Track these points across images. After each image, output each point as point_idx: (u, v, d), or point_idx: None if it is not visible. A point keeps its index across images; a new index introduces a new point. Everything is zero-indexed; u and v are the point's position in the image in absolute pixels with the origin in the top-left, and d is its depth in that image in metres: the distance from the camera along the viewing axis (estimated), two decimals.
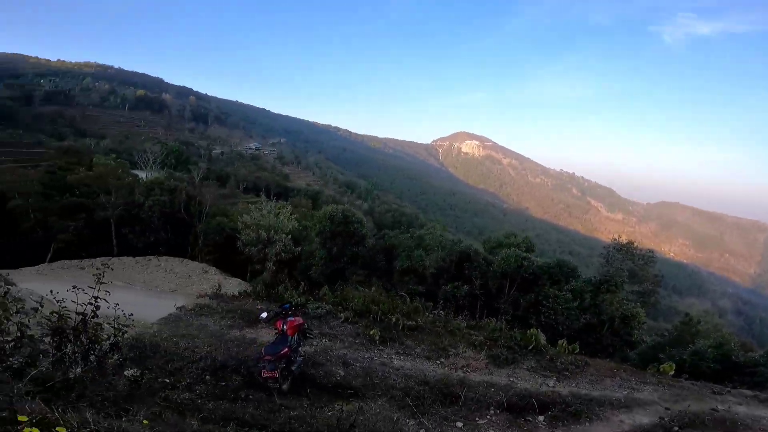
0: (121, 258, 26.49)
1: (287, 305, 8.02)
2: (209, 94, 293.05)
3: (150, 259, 26.69)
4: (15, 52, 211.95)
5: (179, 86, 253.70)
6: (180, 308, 11.40)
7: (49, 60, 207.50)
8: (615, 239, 32.70)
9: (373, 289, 14.95)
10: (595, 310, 24.14)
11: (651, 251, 34.64)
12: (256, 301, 11.58)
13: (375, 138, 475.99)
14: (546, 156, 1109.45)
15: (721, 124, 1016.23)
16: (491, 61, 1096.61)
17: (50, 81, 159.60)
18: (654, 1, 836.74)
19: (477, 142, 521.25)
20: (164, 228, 29.75)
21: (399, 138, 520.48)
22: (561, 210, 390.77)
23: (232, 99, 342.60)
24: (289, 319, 7.52)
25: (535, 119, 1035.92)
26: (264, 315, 8.03)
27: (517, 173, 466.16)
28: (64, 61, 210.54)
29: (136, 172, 43.16)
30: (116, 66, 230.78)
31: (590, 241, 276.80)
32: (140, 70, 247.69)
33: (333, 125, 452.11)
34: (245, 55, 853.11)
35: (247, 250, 23.58)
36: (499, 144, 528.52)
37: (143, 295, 20.31)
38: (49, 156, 56.83)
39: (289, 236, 23.93)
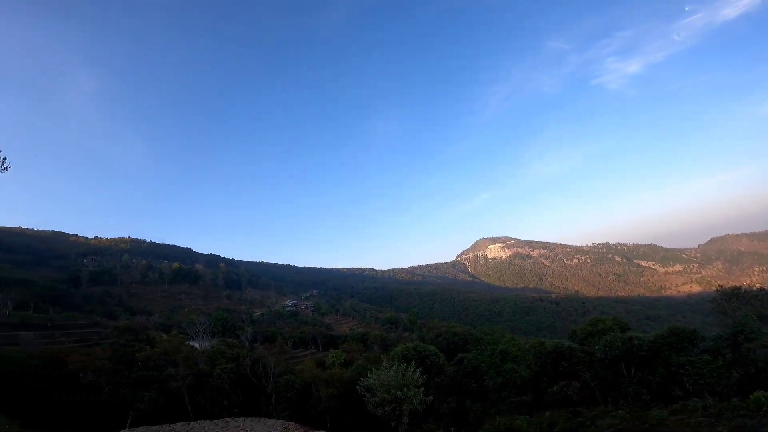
0: (199, 422, 25.93)
1: None
2: (236, 258, 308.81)
3: (228, 421, 25.99)
4: (55, 230, 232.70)
5: (208, 254, 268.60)
6: None
7: (87, 237, 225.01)
8: (719, 289, 29.59)
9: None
10: (744, 361, 20.92)
11: (763, 289, 30.99)
12: None
13: (401, 270, 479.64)
14: (572, 235, 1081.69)
15: (711, 143, 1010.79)
16: (480, 160, 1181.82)
17: (92, 260, 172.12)
18: (580, 55, 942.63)
19: (500, 245, 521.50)
20: (234, 392, 31.20)
21: (424, 263, 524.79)
22: (613, 282, 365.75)
23: (258, 260, 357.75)
24: None
25: (544, 203, 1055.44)
26: None
27: (552, 261, 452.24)
28: (101, 238, 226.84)
29: (189, 343, 43.73)
30: (148, 240, 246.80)
31: (662, 301, 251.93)
32: (170, 242, 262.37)
33: (358, 267, 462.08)
34: (261, 215, 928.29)
35: (378, 411, 22.74)
36: (522, 239, 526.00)
37: None
38: (108, 334, 60.58)
39: (422, 389, 22.64)
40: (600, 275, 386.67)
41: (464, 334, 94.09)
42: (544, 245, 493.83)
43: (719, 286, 29.71)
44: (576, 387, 23.84)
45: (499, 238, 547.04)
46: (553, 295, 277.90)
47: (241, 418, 26.89)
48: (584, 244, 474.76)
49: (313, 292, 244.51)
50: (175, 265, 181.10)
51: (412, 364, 25.06)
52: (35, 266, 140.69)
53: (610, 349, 24.18)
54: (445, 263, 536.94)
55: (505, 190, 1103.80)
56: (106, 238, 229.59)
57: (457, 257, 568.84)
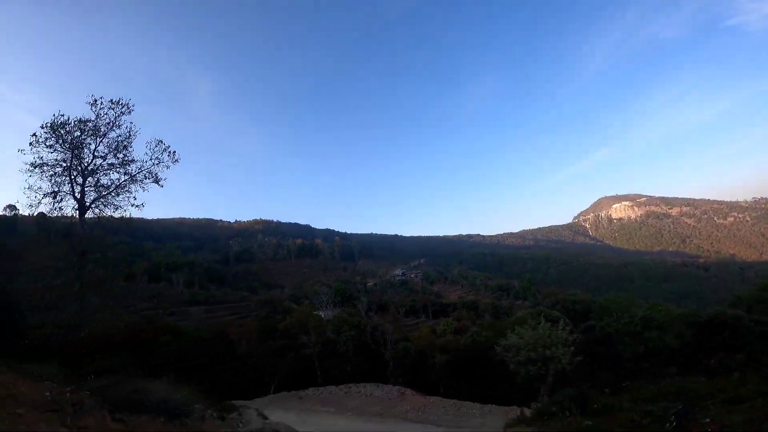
0: (327, 387, 29.68)
1: (685, 409, 6.31)
2: (348, 231, 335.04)
3: (351, 386, 28.93)
4: (206, 217, 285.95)
5: (324, 229, 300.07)
6: None
7: (230, 222, 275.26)
8: None
9: None
10: None
11: None
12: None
13: (510, 234, 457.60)
14: (723, 191, 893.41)
15: None
16: (593, 114, 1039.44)
17: (236, 242, 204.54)
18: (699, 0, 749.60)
19: (628, 203, 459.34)
20: (357, 358, 33.27)
21: (536, 226, 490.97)
22: None
23: (368, 232, 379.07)
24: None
25: (681, 156, 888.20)
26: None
27: (697, 221, 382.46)
28: (240, 221, 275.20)
29: (316, 313, 48.33)
30: (275, 220, 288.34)
31: None
32: (293, 221, 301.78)
33: (465, 234, 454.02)
34: (367, 186, 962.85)
35: (521, 370, 22.39)
36: (656, 196, 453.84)
37: (361, 421, 22.58)
38: (253, 307, 69.71)
39: (571, 348, 22.01)
40: (764, 236, 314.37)
41: (586, 302, 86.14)
42: (686, 202, 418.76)
43: None
44: (741, 360, 19.94)
45: (626, 196, 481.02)
46: (701, 260, 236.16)
47: (362, 384, 29.72)
48: (741, 200, 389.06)
49: (421, 260, 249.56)
50: (299, 241, 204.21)
51: (561, 322, 23.76)
52: (196, 250, 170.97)
53: None
54: (561, 226, 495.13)
55: (629, 145, 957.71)
56: (245, 221, 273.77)
57: (574, 219, 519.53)
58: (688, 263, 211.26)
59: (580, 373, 24.02)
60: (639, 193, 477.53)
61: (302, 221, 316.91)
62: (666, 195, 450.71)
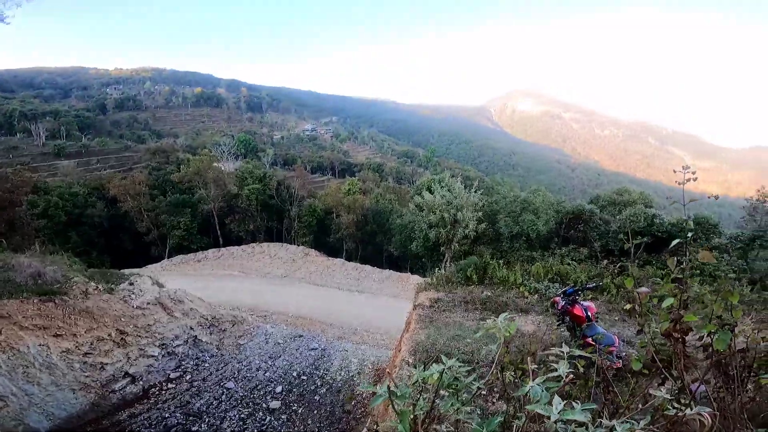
0: (228, 248, 27.74)
1: (571, 289, 6.66)
2: (257, 83, 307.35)
3: (254, 247, 27.57)
4: (74, 65, 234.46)
5: (229, 80, 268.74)
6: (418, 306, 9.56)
7: (107, 69, 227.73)
8: (760, 192, 27.26)
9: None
10: (747, 268, 20.81)
11: None
12: (474, 287, 9.68)
13: (425, 106, 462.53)
14: (619, 108, 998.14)
15: None
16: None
17: (115, 89, 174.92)
18: None
19: (533, 99, 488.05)
20: (260, 215, 31.69)
21: (450, 104, 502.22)
22: (637, 162, 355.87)
23: (278, 86, 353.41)
24: (585, 303, 6.24)
25: (604, 71, 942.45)
26: (560, 301, 6.56)
27: (582, 126, 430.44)
28: (121, 68, 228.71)
29: (216, 165, 44.66)
30: (169, 68, 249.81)
31: (677, 192, 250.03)
32: (191, 69, 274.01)
33: (381, 98, 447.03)
34: (282, 41, 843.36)
35: (432, 233, 22.18)
36: (559, 99, 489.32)
37: (265, 284, 21.54)
38: (140, 158, 62.59)
39: (480, 212, 22.20)
40: (626, 152, 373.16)
41: (476, 179, 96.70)
42: (579, 110, 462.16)
43: (759, 190, 27.38)
44: (584, 254, 24.28)
45: (534, 92, 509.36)
46: (571, 160, 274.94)
47: (266, 244, 28.49)
48: (623, 118, 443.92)
49: (333, 118, 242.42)
50: (198, 89, 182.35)
51: (476, 183, 24.33)
52: (60, 99, 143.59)
53: (634, 222, 24.16)
54: (472, 107, 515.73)
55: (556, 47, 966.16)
56: (127, 69, 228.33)
57: (486, 102, 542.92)
58: (561, 161, 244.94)
59: (466, 246, 27.47)
60: (543, 92, 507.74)
61: (203, 70, 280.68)
62: (567, 99, 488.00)
